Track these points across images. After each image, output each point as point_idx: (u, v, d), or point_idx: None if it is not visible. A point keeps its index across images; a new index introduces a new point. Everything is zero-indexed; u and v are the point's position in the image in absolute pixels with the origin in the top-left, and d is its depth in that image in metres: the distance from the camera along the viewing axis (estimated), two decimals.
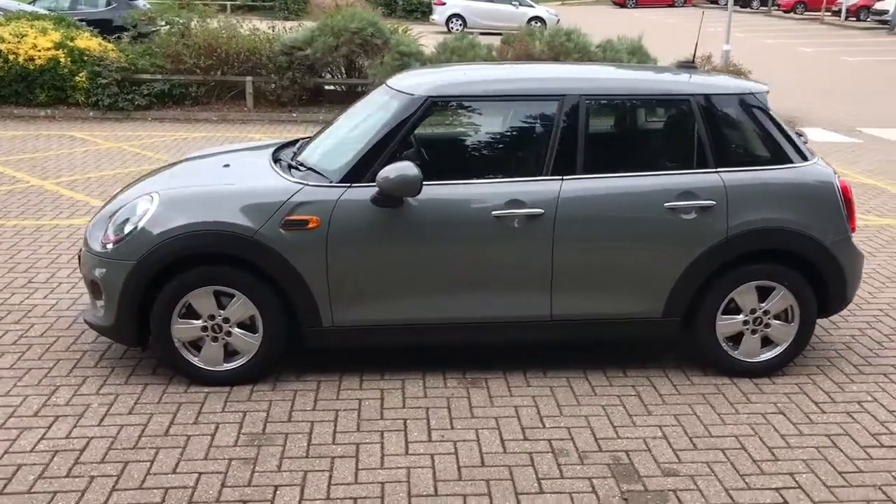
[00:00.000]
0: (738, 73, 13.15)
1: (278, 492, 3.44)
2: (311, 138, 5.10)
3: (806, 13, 40.91)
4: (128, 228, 4.20)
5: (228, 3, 31.71)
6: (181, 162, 5.14)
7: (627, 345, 4.83)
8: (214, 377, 4.28)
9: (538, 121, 4.37)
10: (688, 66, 4.94)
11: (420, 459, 3.70)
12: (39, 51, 11.98)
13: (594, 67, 5.49)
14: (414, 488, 3.49)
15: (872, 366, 4.73)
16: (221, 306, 4.20)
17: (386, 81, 4.86)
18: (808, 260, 4.38)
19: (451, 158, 4.45)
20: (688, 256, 4.29)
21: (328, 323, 4.25)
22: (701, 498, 3.46)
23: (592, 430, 3.97)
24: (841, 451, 3.85)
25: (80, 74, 12.07)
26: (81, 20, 14.62)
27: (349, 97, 13.41)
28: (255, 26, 13.61)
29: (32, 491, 3.41)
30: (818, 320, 4.71)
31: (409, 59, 12.39)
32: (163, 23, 13.53)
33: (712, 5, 43.32)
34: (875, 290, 5.90)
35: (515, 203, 4.18)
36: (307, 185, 4.20)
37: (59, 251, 6.33)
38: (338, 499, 3.41)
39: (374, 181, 4.13)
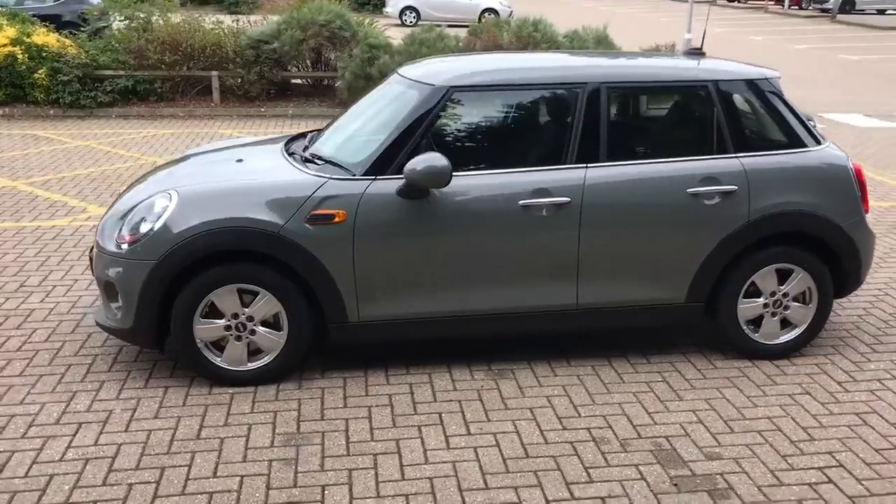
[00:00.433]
0: None
1: (326, 491, 3.37)
2: (320, 131, 5.01)
3: (749, 2, 41.66)
4: (145, 227, 4.06)
5: None
6: (185, 159, 4.99)
7: (644, 331, 4.84)
8: (239, 377, 4.17)
9: (561, 109, 4.35)
10: (696, 52, 4.96)
11: (463, 453, 3.66)
12: None
13: (610, 55, 5.48)
14: (463, 482, 3.45)
15: (884, 344, 4.82)
16: (244, 304, 4.10)
17: (398, 71, 4.78)
18: (826, 242, 4.44)
19: (474, 148, 4.40)
20: (711, 241, 4.32)
21: (354, 318, 4.18)
22: (748, 480, 3.49)
23: (628, 417, 3.97)
24: (872, 428, 3.91)
25: (40, 71, 11.67)
26: (33, 16, 14.17)
27: (317, 90, 13.29)
28: (219, 20, 13.35)
29: (71, 501, 3.28)
30: None
31: (378, 51, 12.28)
32: (121, 17, 13.13)
33: None
34: (871, 271, 6.01)
35: (541, 192, 4.16)
36: (331, 178, 4.12)
37: (48, 253, 6.12)
38: (388, 496, 3.35)
39: (398, 173, 4.07)
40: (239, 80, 12.49)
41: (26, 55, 11.70)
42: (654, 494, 3.38)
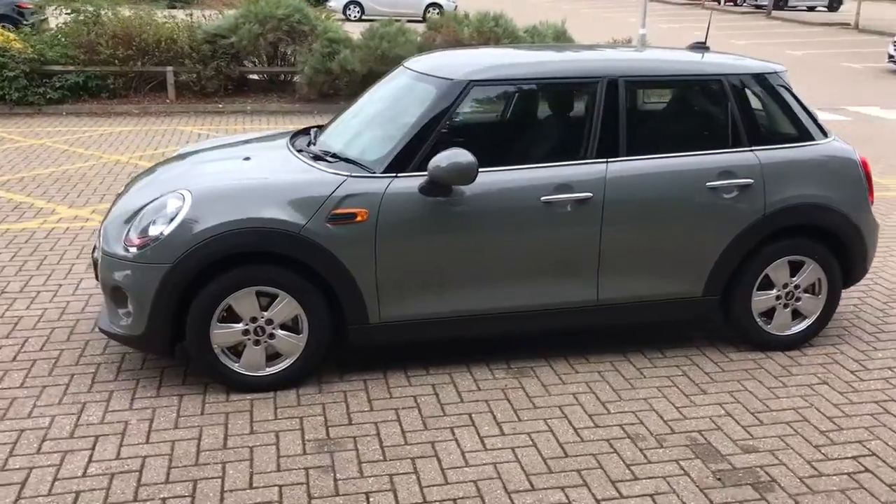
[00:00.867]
0: None
1: (371, 498, 3.27)
2: (321, 127, 4.87)
3: None
4: (157, 230, 3.88)
5: None
6: (183, 157, 4.80)
7: (656, 325, 4.84)
8: (258, 383, 4.03)
9: (580, 103, 4.31)
10: (700, 47, 4.98)
11: (502, 454, 3.59)
12: None
13: (626, 49, 5.46)
14: (508, 484, 3.38)
15: (886, 332, 4.93)
16: (262, 307, 3.96)
17: (405, 65, 4.68)
18: (836, 233, 4.51)
19: (494, 144, 4.33)
20: (728, 235, 4.34)
21: (375, 319, 4.07)
22: (788, 472, 3.51)
23: (658, 413, 3.96)
24: (894, 416, 3.98)
25: None
26: None
27: (274, 86, 13.02)
28: (172, 14, 12.97)
29: None
30: None
31: (338, 45, 12.11)
32: (67, 11, 12.64)
33: None
34: None
35: (564, 188, 4.12)
36: (351, 176, 4.00)
37: (23, 257, 5.83)
38: (436, 501, 3.26)
39: (419, 170, 3.98)
40: (195, 76, 12.16)
41: None
42: (700, 490, 3.37)
